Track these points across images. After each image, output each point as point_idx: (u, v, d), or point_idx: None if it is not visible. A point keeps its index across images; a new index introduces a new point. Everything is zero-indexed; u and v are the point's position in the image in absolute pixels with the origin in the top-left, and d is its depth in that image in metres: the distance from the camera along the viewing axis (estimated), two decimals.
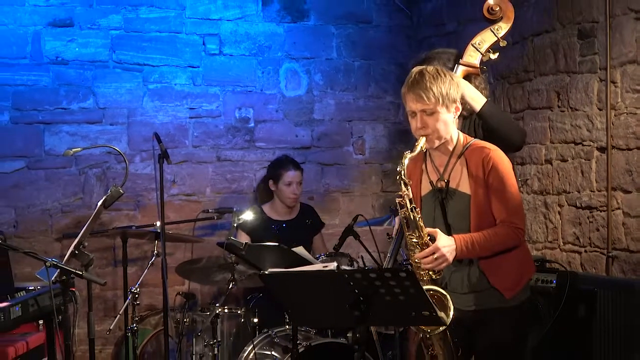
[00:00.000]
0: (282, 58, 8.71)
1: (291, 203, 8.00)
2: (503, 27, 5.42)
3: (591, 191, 6.53)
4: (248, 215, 7.53)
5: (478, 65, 5.38)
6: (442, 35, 8.37)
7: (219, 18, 8.51)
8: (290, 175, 7.91)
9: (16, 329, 5.11)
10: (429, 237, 4.68)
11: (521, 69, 7.20)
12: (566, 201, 6.78)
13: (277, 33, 8.68)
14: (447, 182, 4.86)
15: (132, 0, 8.25)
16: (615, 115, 6.29)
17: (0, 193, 7.98)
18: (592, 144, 6.51)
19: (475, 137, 5.03)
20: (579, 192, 6.65)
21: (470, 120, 5.38)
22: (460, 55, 5.43)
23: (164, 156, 6.92)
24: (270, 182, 8.04)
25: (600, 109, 6.42)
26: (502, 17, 5.42)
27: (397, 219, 5.38)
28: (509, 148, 5.39)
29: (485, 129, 5.27)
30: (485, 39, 5.41)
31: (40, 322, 5.97)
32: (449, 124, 4.79)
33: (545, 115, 6.95)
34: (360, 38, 8.88)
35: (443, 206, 4.89)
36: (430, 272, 4.70)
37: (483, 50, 5.38)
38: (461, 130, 5.04)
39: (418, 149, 4.73)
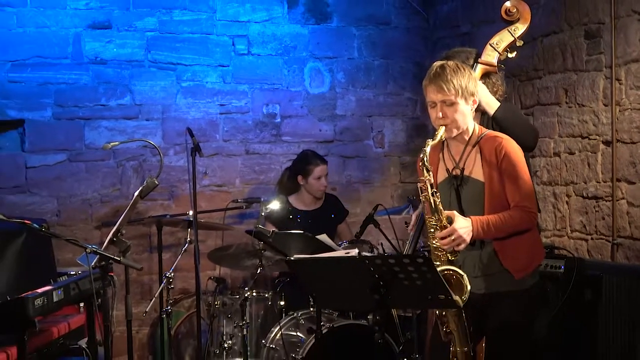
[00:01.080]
0: (306, 57, 8.72)
1: (321, 195, 7.99)
2: (520, 28, 5.41)
3: (597, 182, 6.52)
4: (275, 205, 7.54)
5: (496, 64, 5.39)
6: (456, 36, 8.36)
7: (248, 20, 8.52)
8: (319, 169, 7.89)
9: (59, 311, 5.15)
10: (447, 220, 4.70)
11: (531, 67, 7.19)
12: (573, 191, 6.78)
13: (301, 34, 8.69)
14: (462, 170, 4.89)
15: (167, 4, 8.28)
16: (619, 111, 6.28)
17: (44, 184, 8.02)
18: (598, 137, 6.50)
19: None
20: (585, 183, 6.64)
21: (487, 115, 5.39)
22: (479, 54, 5.43)
23: (196, 149, 6.94)
24: (300, 177, 7.97)
25: (605, 105, 6.42)
26: (519, 19, 5.41)
27: (414, 215, 5.40)
28: (522, 149, 5.41)
29: (499, 130, 5.27)
30: (503, 38, 5.41)
31: (81, 304, 6.00)
32: (466, 115, 4.81)
33: (554, 111, 6.94)
34: (380, 39, 8.88)
35: (458, 192, 4.91)
36: (448, 254, 4.72)
37: (500, 49, 5.38)
38: (480, 124, 5.05)
39: (438, 137, 4.76)
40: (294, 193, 8.06)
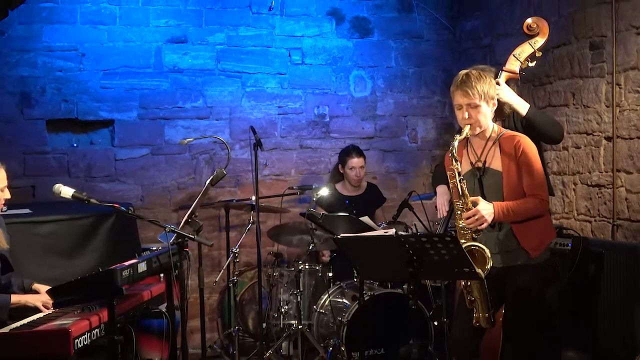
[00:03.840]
0: (351, 66, 8.69)
1: (355, 183, 8.01)
2: (539, 41, 5.38)
3: (600, 172, 6.46)
4: (324, 192, 7.57)
5: (518, 72, 5.37)
6: (479, 48, 8.32)
7: (302, 35, 8.51)
8: (353, 161, 7.93)
9: (142, 280, 5.15)
10: (472, 204, 4.73)
11: (543, 74, 7.13)
12: (579, 180, 6.72)
13: (347, 47, 8.66)
14: (484, 162, 4.90)
15: (233, 22, 8.29)
16: (619, 111, 6.23)
17: (130, 174, 8.07)
18: (600, 134, 6.45)
19: (516, 131, 5.08)
20: (590, 173, 6.58)
21: (509, 120, 5.38)
22: (496, 73, 5.40)
23: (258, 145, 6.95)
24: (340, 166, 8.12)
25: (607, 106, 6.36)
26: (538, 33, 5.39)
27: (439, 198, 5.40)
28: (552, 142, 5.46)
29: (528, 127, 5.26)
30: (524, 50, 5.38)
31: (161, 275, 6.01)
32: (487, 116, 4.86)
33: (563, 112, 6.89)
34: (413, 50, 8.83)
35: (481, 181, 4.93)
36: (473, 233, 4.76)
37: (522, 59, 5.36)
38: (503, 126, 5.06)
39: (464, 133, 4.81)
40: (340, 181, 8.10)
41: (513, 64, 5.39)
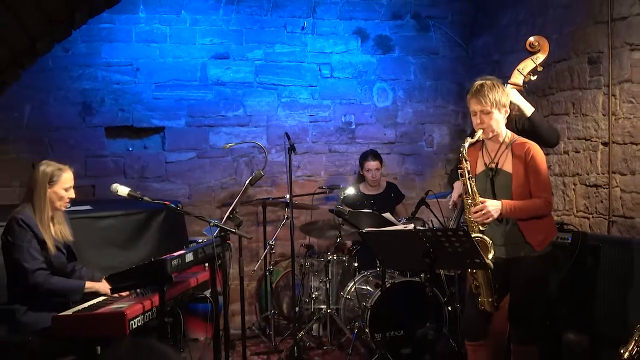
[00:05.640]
0: (375, 79, 8.69)
1: (372, 183, 8.03)
2: (540, 57, 5.39)
3: (597, 174, 6.43)
4: (350, 191, 7.61)
5: (521, 84, 5.38)
6: (489, 63, 8.29)
7: (331, 52, 8.52)
8: (369, 164, 7.95)
9: (189, 269, 5.18)
10: (480, 201, 4.76)
11: (546, 86, 7.10)
12: (579, 181, 6.69)
13: (371, 62, 8.66)
14: (497, 164, 4.91)
15: (270, 40, 8.31)
16: (615, 119, 6.20)
17: (179, 175, 8.11)
18: (598, 140, 6.41)
19: (517, 133, 5.07)
20: (588, 174, 6.55)
21: (512, 123, 5.37)
22: (502, 83, 5.40)
23: (292, 149, 6.96)
24: (359, 169, 8.12)
25: (604, 115, 6.33)
26: (539, 50, 5.39)
27: (455, 193, 5.39)
28: (548, 145, 5.43)
29: (529, 130, 5.26)
30: (527, 65, 5.39)
31: (206, 264, 6.05)
32: (500, 122, 4.88)
33: (564, 119, 6.86)
34: (430, 65, 8.82)
35: (492, 181, 4.94)
36: (480, 226, 4.78)
37: (525, 73, 5.37)
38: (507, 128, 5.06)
39: (476, 137, 4.85)
40: (363, 182, 8.11)
41: (517, 78, 5.40)
